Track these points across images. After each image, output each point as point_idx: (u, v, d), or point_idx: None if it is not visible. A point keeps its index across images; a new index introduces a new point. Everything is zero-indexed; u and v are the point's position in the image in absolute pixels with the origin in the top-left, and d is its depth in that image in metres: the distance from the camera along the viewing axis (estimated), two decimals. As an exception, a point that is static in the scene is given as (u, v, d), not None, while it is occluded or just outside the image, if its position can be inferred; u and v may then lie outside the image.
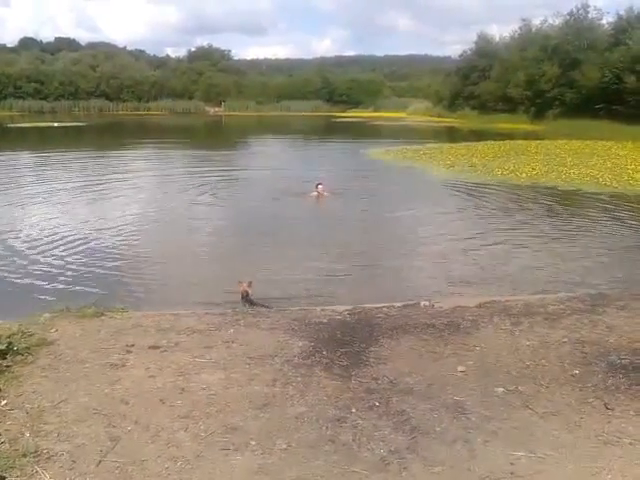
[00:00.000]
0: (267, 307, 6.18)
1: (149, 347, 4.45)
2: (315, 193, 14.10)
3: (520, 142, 30.03)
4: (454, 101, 62.12)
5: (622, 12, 48.19)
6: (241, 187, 16.48)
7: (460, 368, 4.13)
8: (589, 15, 50.30)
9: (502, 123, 47.58)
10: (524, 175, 17.87)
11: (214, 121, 64.67)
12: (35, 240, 9.91)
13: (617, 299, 5.76)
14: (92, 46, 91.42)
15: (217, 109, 78.43)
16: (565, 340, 4.63)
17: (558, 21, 52.55)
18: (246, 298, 6.40)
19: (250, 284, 6.54)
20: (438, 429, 3.36)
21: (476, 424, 3.42)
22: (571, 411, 3.57)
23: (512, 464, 3.04)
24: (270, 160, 25.16)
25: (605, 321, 5.06)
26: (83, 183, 16.69)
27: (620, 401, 3.67)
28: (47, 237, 10.12)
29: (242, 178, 18.56)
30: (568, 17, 50.99)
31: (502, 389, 3.83)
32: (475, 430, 3.35)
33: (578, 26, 49.36)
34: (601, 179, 16.92)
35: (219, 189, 15.68)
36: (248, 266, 8.22)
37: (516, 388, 3.84)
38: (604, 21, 50.41)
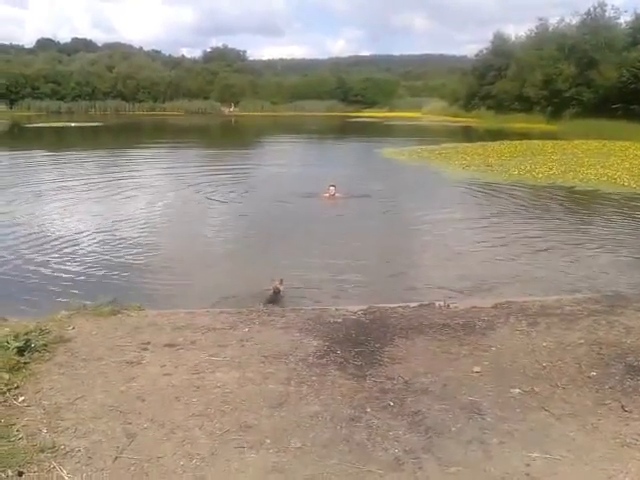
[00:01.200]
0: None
1: (165, 345, 4.47)
2: (327, 194, 14.04)
3: (537, 142, 29.85)
4: (470, 101, 61.97)
5: (640, 11, 47.78)
6: (255, 187, 16.51)
7: (476, 368, 4.10)
8: (606, 14, 50.06)
9: (518, 123, 47.35)
10: (541, 175, 17.76)
11: (229, 121, 64.88)
12: (52, 238, 10.01)
13: (635, 300, 5.70)
14: (108, 47, 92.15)
15: (232, 109, 78.69)
16: (582, 341, 4.58)
17: (575, 20, 52.37)
18: (277, 295, 6.82)
19: (281, 282, 6.97)
20: (453, 429, 3.35)
21: (491, 425, 3.40)
22: (588, 413, 3.54)
23: (528, 465, 3.01)
24: (284, 160, 25.17)
25: (622, 322, 5.01)
26: (99, 182, 16.84)
27: (638, 403, 3.63)
28: (64, 235, 10.23)
29: (256, 178, 18.63)
30: (585, 16, 50.73)
31: (518, 390, 3.80)
32: (490, 431, 3.33)
33: (595, 25, 48.99)
34: (619, 179, 16.77)
35: (233, 189, 15.75)
36: (261, 266, 8.26)
37: (532, 389, 3.81)
38: (622, 20, 50.16)
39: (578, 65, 47.61)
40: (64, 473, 2.88)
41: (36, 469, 2.90)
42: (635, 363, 4.16)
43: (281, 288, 6.93)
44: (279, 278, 7.00)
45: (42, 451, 3.03)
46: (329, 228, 11.42)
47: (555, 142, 29.48)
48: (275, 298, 6.78)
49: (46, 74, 75.57)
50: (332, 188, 13.98)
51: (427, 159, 22.77)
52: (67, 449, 3.09)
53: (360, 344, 4.52)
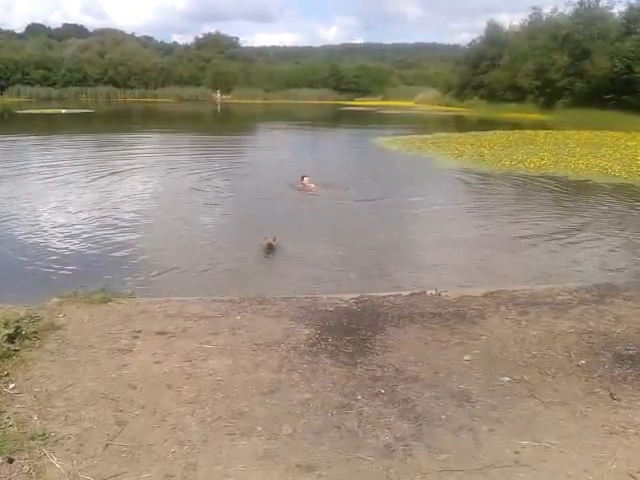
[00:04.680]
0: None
1: (156, 333, 4.47)
2: (300, 185, 13.57)
3: (529, 132, 29.83)
4: (463, 90, 61.72)
5: (634, 1, 47.76)
6: (240, 176, 16.21)
7: (466, 357, 4.13)
8: (600, 4, 49.83)
9: (511, 112, 47.25)
10: (533, 165, 17.76)
11: (222, 109, 64.45)
12: (43, 225, 9.95)
13: (625, 290, 5.74)
14: (100, 32, 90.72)
15: (224, 96, 78.12)
16: (572, 330, 4.62)
17: (569, 10, 52.06)
18: (270, 249, 8.02)
19: (275, 239, 8.09)
20: (443, 417, 3.37)
21: (481, 412, 3.42)
22: (577, 401, 3.57)
23: (517, 453, 3.04)
24: (273, 148, 24.90)
25: (612, 311, 5.05)
26: (89, 169, 16.68)
27: (627, 392, 3.67)
28: (55, 222, 10.16)
29: (243, 166, 18.36)
30: (579, 6, 50.44)
31: (508, 378, 3.83)
32: (480, 418, 3.36)
33: (589, 15, 48.84)
34: (610, 170, 16.80)
35: (219, 177, 15.57)
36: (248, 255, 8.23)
37: (522, 377, 3.84)
38: (615, 10, 49.99)
39: (571, 55, 47.52)
40: (55, 460, 2.88)
41: (26, 456, 2.90)
42: (624, 352, 4.19)
43: (274, 243, 8.01)
44: (272, 236, 8.06)
45: (32, 438, 3.03)
46: (310, 219, 11.09)
47: (547, 132, 29.46)
48: (269, 251, 8.00)
49: (37, 60, 74.49)
50: (306, 179, 13.54)
51: (420, 148, 22.69)
52: (58, 436, 3.09)
53: (351, 332, 4.54)
